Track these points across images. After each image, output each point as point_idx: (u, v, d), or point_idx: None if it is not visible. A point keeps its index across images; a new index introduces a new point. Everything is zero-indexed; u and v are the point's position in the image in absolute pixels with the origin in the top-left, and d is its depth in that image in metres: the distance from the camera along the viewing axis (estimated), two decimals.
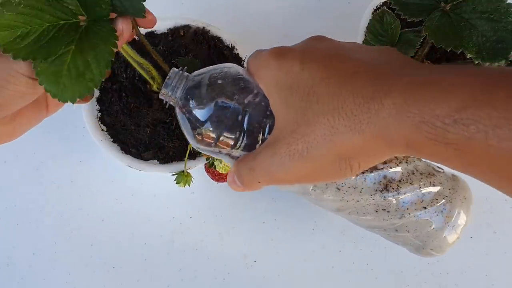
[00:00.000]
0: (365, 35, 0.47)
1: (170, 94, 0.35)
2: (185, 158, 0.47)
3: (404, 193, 0.37)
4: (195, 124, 0.34)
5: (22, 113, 0.37)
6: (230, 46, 0.52)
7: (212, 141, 0.34)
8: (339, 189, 0.38)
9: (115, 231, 0.54)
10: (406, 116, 0.25)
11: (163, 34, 0.52)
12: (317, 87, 0.29)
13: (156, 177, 0.55)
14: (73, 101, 0.32)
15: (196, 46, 0.52)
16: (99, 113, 0.50)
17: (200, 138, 0.34)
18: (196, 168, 0.49)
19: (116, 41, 0.32)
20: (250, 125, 0.33)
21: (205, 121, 0.33)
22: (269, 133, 0.33)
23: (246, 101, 0.33)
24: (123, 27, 0.33)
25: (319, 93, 0.29)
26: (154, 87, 0.47)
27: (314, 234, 0.53)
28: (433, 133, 0.24)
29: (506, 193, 0.26)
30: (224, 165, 0.45)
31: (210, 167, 0.47)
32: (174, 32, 0.52)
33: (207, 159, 0.47)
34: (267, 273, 0.52)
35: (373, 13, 0.51)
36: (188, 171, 0.47)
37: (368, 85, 0.27)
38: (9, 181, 0.56)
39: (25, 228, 0.54)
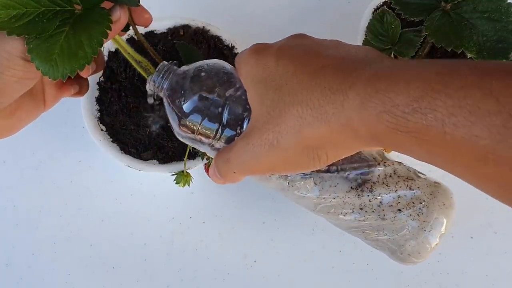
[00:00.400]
0: (365, 34, 0.47)
1: (157, 86, 0.37)
2: (185, 158, 0.47)
3: (379, 194, 0.37)
4: (179, 114, 0.36)
5: (21, 107, 0.37)
6: (230, 45, 0.52)
7: (194, 132, 0.36)
8: (316, 184, 0.38)
9: (115, 231, 0.54)
10: (368, 106, 0.26)
11: (163, 33, 0.52)
12: (289, 80, 0.30)
13: (156, 177, 0.55)
14: (64, 78, 0.33)
15: (196, 46, 0.52)
16: (99, 113, 0.50)
17: (184, 129, 0.36)
18: (196, 168, 0.48)
19: (110, 24, 0.33)
20: (230, 118, 0.35)
21: (188, 112, 0.35)
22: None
23: (227, 95, 0.35)
24: (121, 14, 0.35)
25: (290, 86, 0.30)
26: None
27: (314, 234, 0.53)
28: (394, 122, 0.25)
29: (464, 179, 0.26)
30: None
31: (210, 167, 0.47)
32: (174, 31, 0.52)
33: (207, 159, 0.47)
34: (267, 273, 0.52)
35: (373, 13, 0.51)
36: (187, 171, 0.47)
37: (335, 78, 0.28)
38: (9, 181, 0.56)
39: (25, 228, 0.54)
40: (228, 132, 0.35)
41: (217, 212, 0.54)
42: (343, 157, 0.32)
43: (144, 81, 0.47)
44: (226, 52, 0.52)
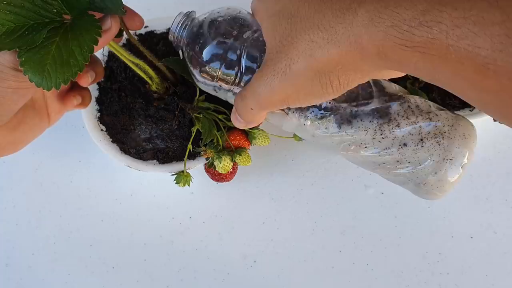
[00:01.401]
0: None
1: (177, 35, 0.38)
2: (185, 158, 0.47)
3: (400, 126, 0.38)
4: (199, 61, 0.36)
5: (25, 122, 0.37)
6: None
7: (215, 78, 0.36)
8: (335, 120, 0.38)
9: (115, 232, 0.54)
10: (376, 22, 0.26)
11: (163, 33, 0.52)
12: (301, 7, 0.30)
13: (156, 177, 0.55)
14: (57, 87, 0.33)
15: None
16: (99, 113, 0.50)
17: (205, 76, 0.37)
18: (196, 168, 0.48)
19: (99, 30, 0.33)
20: (248, 60, 0.35)
21: (208, 59, 0.36)
22: None
23: (244, 37, 0.35)
24: (112, 23, 0.35)
25: (302, 14, 0.30)
26: (153, 87, 0.47)
27: (314, 234, 0.53)
28: (400, 37, 0.25)
29: (466, 97, 0.26)
30: (223, 165, 0.45)
31: (210, 167, 0.47)
32: None
33: (206, 159, 0.47)
34: (267, 273, 0.52)
35: None
36: (187, 171, 0.47)
37: None
38: (9, 181, 0.56)
39: (25, 229, 0.54)
40: (247, 76, 0.36)
41: (217, 212, 0.54)
42: (356, 84, 0.32)
43: (143, 81, 0.47)
44: None
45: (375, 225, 0.53)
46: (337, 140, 0.39)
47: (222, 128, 0.46)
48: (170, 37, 0.38)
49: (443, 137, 0.37)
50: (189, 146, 0.46)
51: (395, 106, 0.38)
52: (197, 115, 0.46)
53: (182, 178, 0.47)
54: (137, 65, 0.42)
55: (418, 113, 0.38)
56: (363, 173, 0.55)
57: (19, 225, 0.54)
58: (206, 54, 0.36)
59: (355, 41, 0.28)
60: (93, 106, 0.50)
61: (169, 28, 0.52)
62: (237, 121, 0.37)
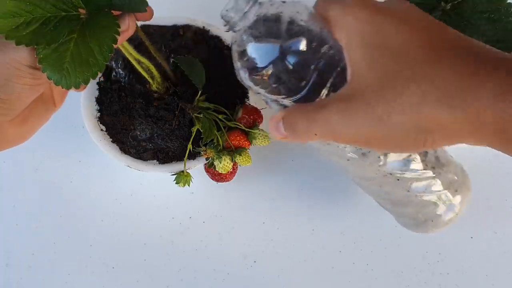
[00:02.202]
0: None
1: (235, 19, 0.31)
2: (185, 158, 0.47)
3: (419, 180, 0.40)
4: (258, 61, 0.30)
5: (33, 113, 0.37)
6: (230, 45, 0.52)
7: (269, 85, 0.31)
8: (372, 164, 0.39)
9: (115, 232, 0.54)
10: (507, 98, 0.24)
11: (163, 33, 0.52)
12: (413, 52, 0.28)
13: (156, 177, 0.55)
14: (77, 87, 0.32)
15: (195, 46, 0.52)
16: (99, 113, 0.50)
17: (257, 78, 0.31)
18: (196, 168, 0.48)
19: (117, 29, 0.32)
20: (317, 77, 0.31)
21: (271, 62, 0.30)
22: (333, 89, 0.31)
23: (321, 51, 0.30)
24: (129, 23, 0.34)
25: (413, 59, 0.27)
26: (154, 87, 0.47)
27: (314, 234, 0.53)
28: None
29: None
30: (223, 165, 0.45)
31: (210, 167, 0.47)
32: (174, 31, 0.52)
33: (206, 159, 0.47)
34: (267, 273, 0.52)
35: None
36: (187, 171, 0.47)
37: (470, 61, 0.26)
38: (9, 181, 0.56)
39: (25, 229, 0.54)
40: (309, 92, 0.31)
41: (217, 212, 0.54)
42: (447, 145, 0.30)
43: (144, 81, 0.47)
44: (226, 52, 0.52)
45: (375, 225, 0.53)
46: (361, 174, 0.42)
47: (222, 128, 0.46)
48: (225, 18, 0.31)
49: (451, 187, 0.41)
50: (189, 146, 0.46)
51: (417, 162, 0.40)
52: (197, 115, 0.46)
53: (182, 178, 0.47)
54: (139, 63, 0.41)
55: (436, 164, 0.40)
56: None
57: (19, 225, 0.54)
58: (269, 56, 0.30)
59: (475, 112, 0.25)
60: (93, 106, 0.50)
61: (169, 28, 0.52)
62: (278, 132, 0.32)
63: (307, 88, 0.31)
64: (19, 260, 0.53)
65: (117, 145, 0.49)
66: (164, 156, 0.49)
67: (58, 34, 0.32)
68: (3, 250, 0.53)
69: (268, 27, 0.30)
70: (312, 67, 0.30)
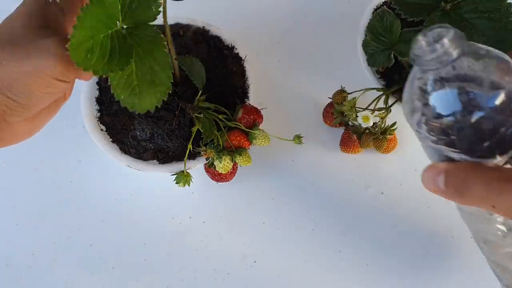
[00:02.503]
0: (365, 35, 0.47)
1: (432, 57, 0.26)
2: (185, 158, 0.47)
3: None
4: (443, 108, 0.26)
5: (44, 110, 0.37)
6: (230, 45, 0.52)
7: (444, 134, 0.27)
8: None
9: (115, 231, 0.54)
10: None
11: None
12: None
13: (156, 177, 0.55)
14: (152, 108, 0.32)
15: (195, 46, 0.52)
16: (99, 113, 0.50)
17: (434, 124, 0.27)
18: (196, 168, 0.48)
19: (164, 42, 0.32)
20: (502, 141, 0.27)
21: (458, 111, 0.26)
22: None
23: None
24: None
25: None
26: None
27: (314, 234, 0.53)
28: None
29: None
30: (224, 165, 0.45)
31: (210, 167, 0.47)
32: (174, 31, 0.52)
33: (206, 159, 0.47)
34: (267, 273, 0.52)
35: (373, 13, 0.51)
36: (187, 171, 0.47)
37: None
38: (9, 181, 0.56)
39: (25, 229, 0.54)
40: (491, 154, 0.27)
41: (217, 212, 0.54)
42: None
43: None
44: (226, 52, 0.52)
45: (375, 225, 0.53)
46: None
47: (222, 128, 0.46)
48: (421, 49, 0.26)
49: None
50: (189, 146, 0.46)
51: None
52: (197, 115, 0.46)
53: (182, 178, 0.47)
54: None
55: None
56: (363, 173, 0.55)
57: (19, 225, 0.54)
58: (456, 103, 0.25)
59: None
60: (93, 106, 0.50)
61: (173, 25, 0.52)
62: (434, 184, 0.28)
63: (486, 149, 0.27)
64: (19, 260, 0.53)
65: (117, 145, 0.49)
66: (164, 156, 0.49)
67: (126, 58, 0.31)
68: (3, 250, 0.53)
69: (471, 75, 0.26)
70: (503, 130, 0.26)
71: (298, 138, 0.48)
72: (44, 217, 0.54)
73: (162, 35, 0.32)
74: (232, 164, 0.46)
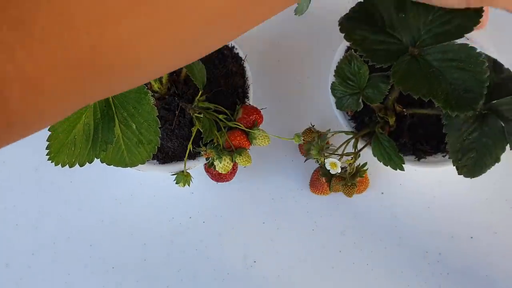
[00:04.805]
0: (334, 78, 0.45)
1: None
2: (185, 158, 0.47)
3: None
4: None
5: None
6: (229, 45, 0.52)
7: None
8: None
9: (115, 232, 0.54)
10: None
11: None
12: None
13: (156, 177, 0.55)
14: (143, 163, 0.34)
15: None
16: None
17: None
18: (196, 168, 0.48)
19: (150, 95, 0.34)
20: None
21: None
22: None
23: None
24: None
25: None
26: (155, 87, 0.47)
27: (314, 234, 0.53)
28: None
29: None
30: (223, 165, 0.45)
31: (210, 167, 0.47)
32: None
33: (206, 159, 0.47)
34: (267, 273, 0.52)
35: (346, 51, 0.50)
36: (187, 171, 0.47)
37: None
38: (8, 182, 0.56)
39: (25, 229, 0.54)
40: None
41: (217, 212, 0.54)
42: None
43: None
44: (226, 52, 0.52)
45: (375, 225, 0.53)
46: None
47: (222, 128, 0.46)
48: None
49: None
50: (189, 146, 0.46)
51: None
52: (197, 115, 0.46)
53: (182, 178, 0.47)
54: None
55: None
56: None
57: (19, 225, 0.54)
58: None
59: None
60: None
61: None
62: None
63: None
64: (19, 260, 0.53)
65: None
66: (164, 156, 0.49)
67: (108, 136, 0.33)
68: (3, 250, 0.53)
69: None
70: None
71: (298, 137, 0.48)
72: (44, 217, 0.54)
73: (145, 89, 0.33)
74: (232, 164, 0.46)
